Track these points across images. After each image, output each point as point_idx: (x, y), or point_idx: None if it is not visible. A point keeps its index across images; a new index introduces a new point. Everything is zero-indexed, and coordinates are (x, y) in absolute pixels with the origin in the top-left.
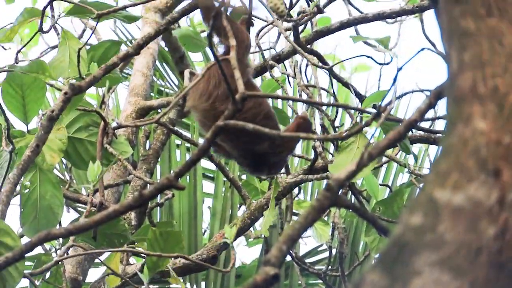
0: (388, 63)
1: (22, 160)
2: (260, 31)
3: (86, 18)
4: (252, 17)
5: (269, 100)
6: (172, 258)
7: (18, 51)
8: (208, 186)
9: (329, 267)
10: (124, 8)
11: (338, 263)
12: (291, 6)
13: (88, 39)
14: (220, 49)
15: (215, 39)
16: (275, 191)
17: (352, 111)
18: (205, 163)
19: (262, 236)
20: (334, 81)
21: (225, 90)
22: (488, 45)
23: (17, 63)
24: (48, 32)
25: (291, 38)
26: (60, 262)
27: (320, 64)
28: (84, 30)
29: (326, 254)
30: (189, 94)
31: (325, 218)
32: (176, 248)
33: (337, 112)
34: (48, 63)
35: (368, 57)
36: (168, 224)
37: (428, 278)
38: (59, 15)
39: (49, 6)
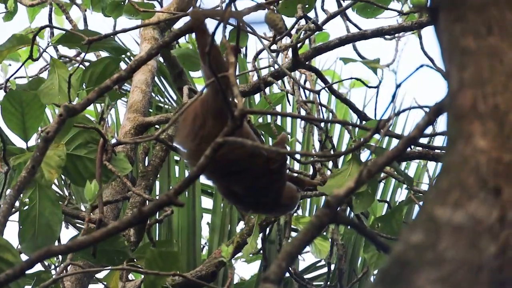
0: (377, 86)
1: (18, 181)
2: (257, 55)
3: (75, 47)
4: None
5: (268, 117)
6: (171, 276)
7: (7, 80)
8: (206, 202)
9: (328, 283)
10: (118, 33)
11: (337, 280)
12: (292, 26)
13: (78, 66)
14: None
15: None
16: (259, 218)
17: (351, 127)
18: (203, 179)
19: (261, 251)
20: (332, 97)
21: (211, 131)
22: (488, 64)
23: (6, 92)
24: (37, 60)
25: (290, 54)
26: (59, 280)
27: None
28: (79, 53)
29: (325, 270)
30: (177, 129)
31: (324, 234)
32: (174, 267)
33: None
34: (37, 90)
35: (357, 79)
36: (168, 243)
37: None
38: (48, 44)
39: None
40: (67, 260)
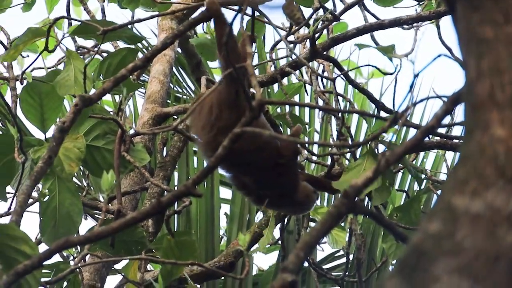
0: (393, 73)
1: (35, 172)
2: (274, 46)
3: (91, 38)
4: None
5: (286, 107)
6: (189, 266)
7: (23, 72)
8: (225, 192)
9: (347, 273)
10: (133, 23)
11: (356, 269)
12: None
13: (93, 57)
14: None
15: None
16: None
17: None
18: (221, 169)
19: (279, 241)
20: (350, 86)
21: (227, 122)
22: (506, 52)
23: (21, 84)
24: (53, 51)
25: (307, 44)
26: (77, 270)
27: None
28: (97, 44)
29: (343, 260)
30: (192, 121)
31: (341, 224)
32: (191, 257)
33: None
34: (53, 82)
35: (373, 66)
36: (187, 233)
37: (447, 285)
38: (63, 35)
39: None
40: (84, 250)
